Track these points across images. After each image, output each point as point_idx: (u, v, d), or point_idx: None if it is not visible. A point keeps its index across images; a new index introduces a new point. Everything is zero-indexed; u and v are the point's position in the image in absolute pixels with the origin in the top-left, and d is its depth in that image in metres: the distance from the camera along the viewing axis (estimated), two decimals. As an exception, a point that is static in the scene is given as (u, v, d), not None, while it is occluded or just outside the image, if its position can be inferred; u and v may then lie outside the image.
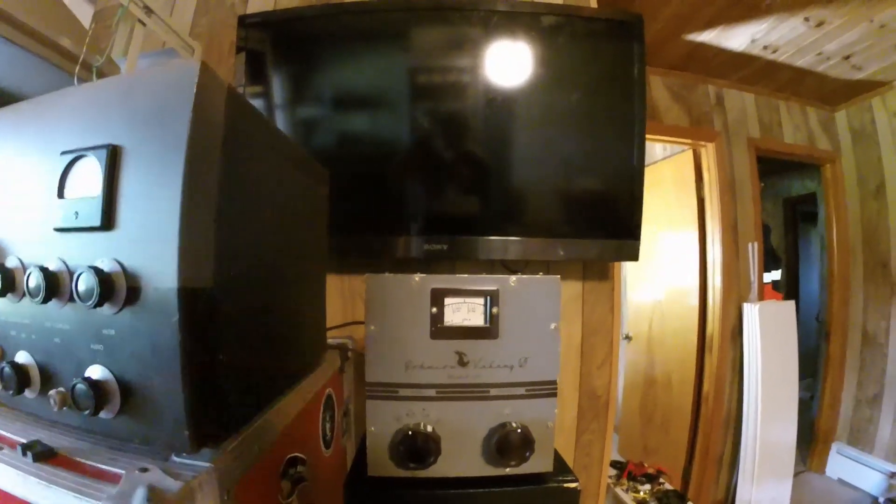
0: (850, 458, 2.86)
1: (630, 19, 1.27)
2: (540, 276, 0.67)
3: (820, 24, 2.33)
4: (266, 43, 1.25)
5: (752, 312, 2.51)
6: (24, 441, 0.45)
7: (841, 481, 2.88)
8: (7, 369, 0.49)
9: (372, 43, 1.24)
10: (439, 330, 0.64)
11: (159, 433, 0.43)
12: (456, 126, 1.21)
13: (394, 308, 0.63)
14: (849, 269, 2.95)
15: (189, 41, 1.44)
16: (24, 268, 0.49)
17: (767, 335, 2.49)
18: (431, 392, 0.65)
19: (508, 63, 1.23)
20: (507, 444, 0.65)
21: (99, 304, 0.43)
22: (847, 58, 2.55)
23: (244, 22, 1.24)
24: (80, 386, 0.44)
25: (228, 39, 1.52)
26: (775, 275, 3.59)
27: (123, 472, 0.40)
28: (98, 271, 0.43)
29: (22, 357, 0.50)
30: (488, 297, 0.64)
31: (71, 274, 0.45)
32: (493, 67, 1.22)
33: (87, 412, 0.44)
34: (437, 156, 1.20)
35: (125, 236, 0.44)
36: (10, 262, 0.49)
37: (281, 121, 1.25)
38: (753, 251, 2.58)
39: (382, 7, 1.23)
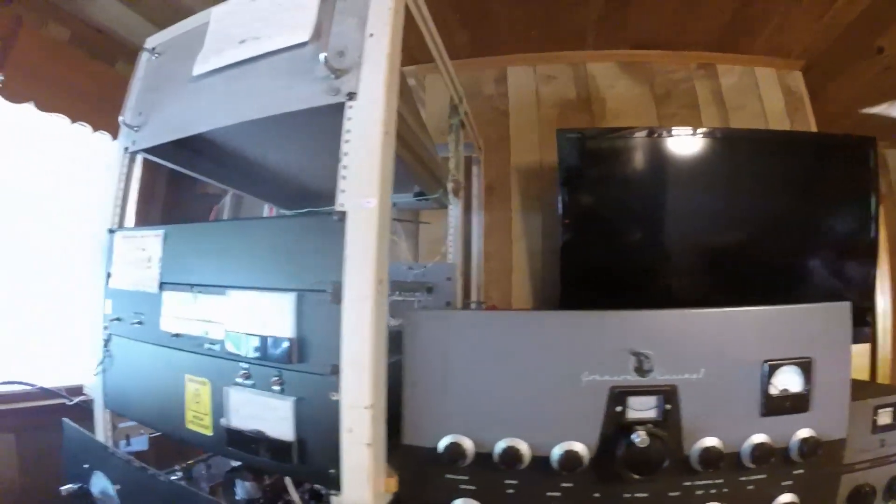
0: None
1: (864, 142, 1.49)
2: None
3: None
4: (574, 149, 1.41)
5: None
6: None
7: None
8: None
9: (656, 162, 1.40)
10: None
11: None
12: (717, 234, 1.37)
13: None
14: None
15: (479, 139, 1.54)
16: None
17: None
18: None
19: (760, 177, 1.39)
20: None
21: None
22: None
23: (563, 135, 1.41)
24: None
25: (497, 132, 1.63)
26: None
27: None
28: (810, 438, 0.70)
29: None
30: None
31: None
32: (746, 182, 1.39)
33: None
34: (705, 263, 1.37)
35: (818, 414, 0.72)
36: (710, 442, 0.68)
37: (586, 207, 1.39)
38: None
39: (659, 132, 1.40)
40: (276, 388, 0.70)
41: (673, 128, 1.38)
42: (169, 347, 0.81)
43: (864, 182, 1.48)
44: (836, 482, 0.75)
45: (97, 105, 1.23)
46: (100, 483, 0.86)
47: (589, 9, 1.48)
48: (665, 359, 0.67)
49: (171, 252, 0.83)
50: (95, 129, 1.25)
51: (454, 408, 0.69)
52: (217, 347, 0.76)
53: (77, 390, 1.19)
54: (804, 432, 0.70)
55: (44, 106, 1.13)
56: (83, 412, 1.15)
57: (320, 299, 0.67)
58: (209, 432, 0.77)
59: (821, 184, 1.47)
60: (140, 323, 0.85)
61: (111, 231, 0.92)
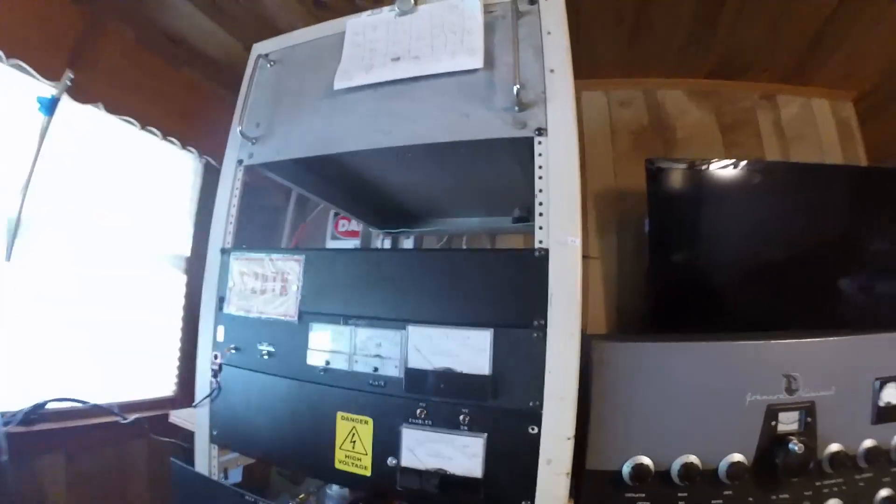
0: None
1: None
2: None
3: None
4: (665, 176, 1.43)
5: None
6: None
7: None
8: None
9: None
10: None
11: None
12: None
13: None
14: None
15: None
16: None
17: None
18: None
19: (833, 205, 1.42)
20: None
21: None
22: None
23: (652, 163, 1.42)
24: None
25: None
26: None
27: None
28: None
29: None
30: None
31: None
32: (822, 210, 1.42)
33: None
34: (794, 288, 1.37)
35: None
36: (837, 448, 0.81)
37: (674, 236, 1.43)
38: None
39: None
40: (464, 425, 0.69)
41: (755, 160, 1.45)
42: (316, 383, 0.76)
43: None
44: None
45: (167, 110, 1.08)
46: (223, 528, 0.80)
47: (675, 35, 1.49)
48: (806, 379, 0.77)
49: (313, 279, 0.77)
50: (165, 135, 1.09)
51: (636, 431, 0.73)
52: (383, 383, 0.73)
53: (129, 407, 1.08)
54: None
55: (113, 108, 0.98)
56: (138, 431, 1.05)
57: (519, 335, 0.67)
58: (367, 473, 0.73)
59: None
60: (269, 354, 0.79)
61: (224, 251, 0.83)
